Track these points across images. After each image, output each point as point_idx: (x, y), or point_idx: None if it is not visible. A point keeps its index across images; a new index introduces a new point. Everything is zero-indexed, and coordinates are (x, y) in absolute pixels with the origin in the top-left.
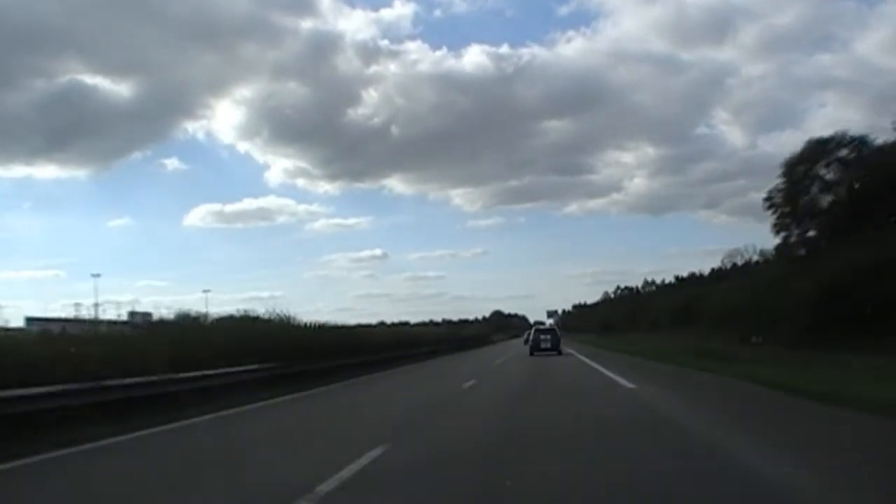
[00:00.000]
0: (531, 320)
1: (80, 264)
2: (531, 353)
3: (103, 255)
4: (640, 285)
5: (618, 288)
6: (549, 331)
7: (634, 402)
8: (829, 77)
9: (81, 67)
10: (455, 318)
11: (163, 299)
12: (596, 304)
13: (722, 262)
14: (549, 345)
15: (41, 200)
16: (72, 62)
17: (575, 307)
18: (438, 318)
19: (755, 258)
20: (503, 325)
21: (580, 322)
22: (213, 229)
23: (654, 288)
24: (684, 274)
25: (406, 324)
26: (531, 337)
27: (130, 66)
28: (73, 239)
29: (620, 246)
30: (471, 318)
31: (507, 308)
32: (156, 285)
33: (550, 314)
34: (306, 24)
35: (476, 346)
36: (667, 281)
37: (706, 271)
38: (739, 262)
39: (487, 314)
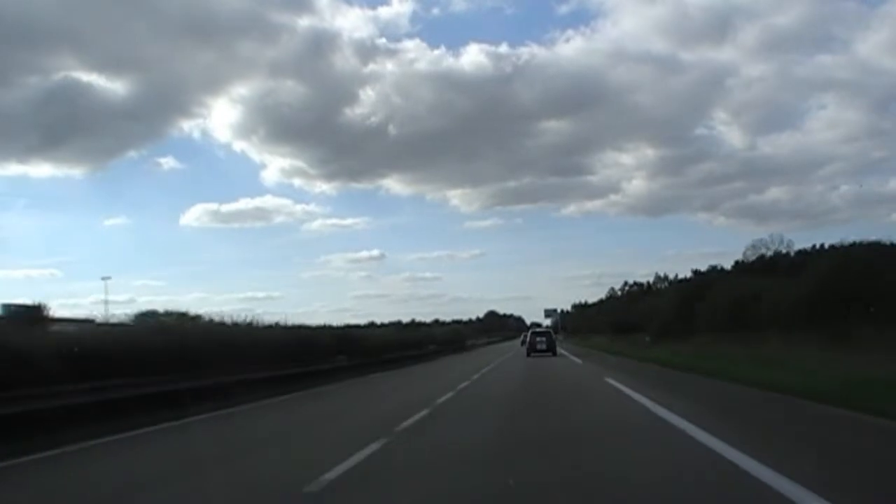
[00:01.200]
0: (528, 321)
1: (76, 263)
2: (528, 354)
3: (99, 255)
4: (651, 280)
5: (625, 284)
6: (545, 333)
7: None
8: (829, 78)
9: (76, 64)
10: (450, 319)
11: (158, 298)
12: (601, 303)
13: (744, 254)
14: (544, 346)
15: (36, 199)
16: (67, 59)
17: (575, 307)
18: (432, 320)
19: (784, 249)
20: (497, 326)
21: (582, 323)
22: (209, 229)
23: (666, 283)
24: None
25: (367, 326)
26: (528, 339)
27: (126, 63)
28: (68, 238)
29: (618, 247)
30: (465, 318)
31: (505, 309)
32: (152, 285)
33: (549, 313)
34: (303, 22)
35: (430, 357)
36: (679, 276)
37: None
38: (767, 253)
39: (482, 315)
